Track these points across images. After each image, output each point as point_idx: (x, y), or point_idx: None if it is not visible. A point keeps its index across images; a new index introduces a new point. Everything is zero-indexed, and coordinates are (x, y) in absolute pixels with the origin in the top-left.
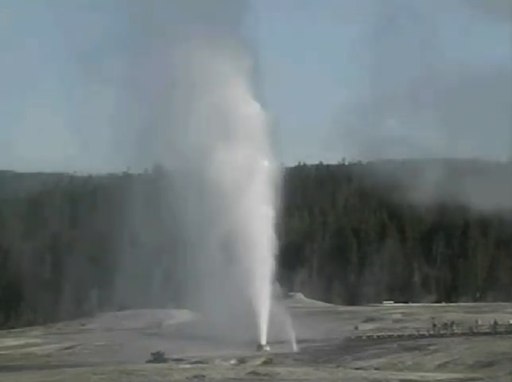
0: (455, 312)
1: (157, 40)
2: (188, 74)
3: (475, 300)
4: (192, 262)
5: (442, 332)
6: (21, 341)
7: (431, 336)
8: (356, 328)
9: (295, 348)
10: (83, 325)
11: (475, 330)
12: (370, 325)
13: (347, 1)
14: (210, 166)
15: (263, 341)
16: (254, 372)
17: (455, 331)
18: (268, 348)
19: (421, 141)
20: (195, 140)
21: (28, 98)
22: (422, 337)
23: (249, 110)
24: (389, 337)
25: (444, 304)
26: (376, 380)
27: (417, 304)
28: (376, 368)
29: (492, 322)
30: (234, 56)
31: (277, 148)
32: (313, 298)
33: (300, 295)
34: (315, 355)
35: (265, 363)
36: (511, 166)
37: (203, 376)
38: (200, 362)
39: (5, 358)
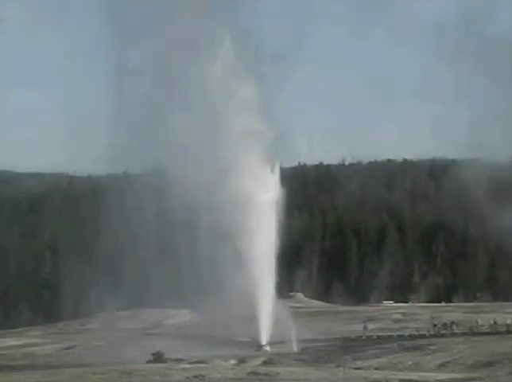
0: (455, 312)
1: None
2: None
3: (475, 300)
4: (193, 262)
5: (442, 332)
6: (21, 341)
7: (431, 336)
8: (365, 327)
9: (295, 348)
10: (82, 325)
11: (475, 330)
12: (370, 325)
13: None
14: (211, 167)
15: (263, 341)
16: (253, 372)
17: (455, 331)
18: (268, 349)
19: None
20: (196, 140)
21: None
22: (422, 337)
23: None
24: (389, 337)
25: (443, 304)
26: (376, 380)
27: (417, 304)
28: (376, 368)
29: (492, 322)
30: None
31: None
32: (313, 298)
33: (300, 295)
34: (315, 355)
35: (265, 363)
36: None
37: (203, 376)
38: (200, 362)
39: (5, 358)
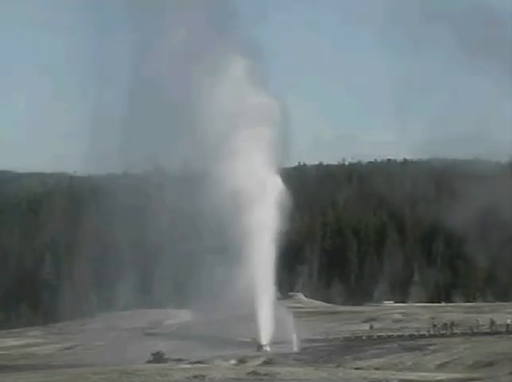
0: (455, 312)
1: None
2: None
3: (475, 300)
4: (193, 262)
5: (442, 332)
6: (22, 341)
7: (431, 336)
8: (371, 327)
9: (295, 348)
10: (82, 325)
11: (476, 330)
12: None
13: None
14: (212, 167)
15: (263, 341)
16: (254, 372)
17: (455, 331)
18: (268, 349)
19: None
20: (197, 140)
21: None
22: (422, 337)
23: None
24: (389, 337)
25: (443, 304)
26: (376, 380)
27: (417, 304)
28: (376, 368)
29: (490, 322)
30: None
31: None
32: (313, 298)
33: (300, 295)
34: (315, 355)
35: (265, 363)
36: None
37: (203, 376)
38: (200, 362)
39: (5, 358)
